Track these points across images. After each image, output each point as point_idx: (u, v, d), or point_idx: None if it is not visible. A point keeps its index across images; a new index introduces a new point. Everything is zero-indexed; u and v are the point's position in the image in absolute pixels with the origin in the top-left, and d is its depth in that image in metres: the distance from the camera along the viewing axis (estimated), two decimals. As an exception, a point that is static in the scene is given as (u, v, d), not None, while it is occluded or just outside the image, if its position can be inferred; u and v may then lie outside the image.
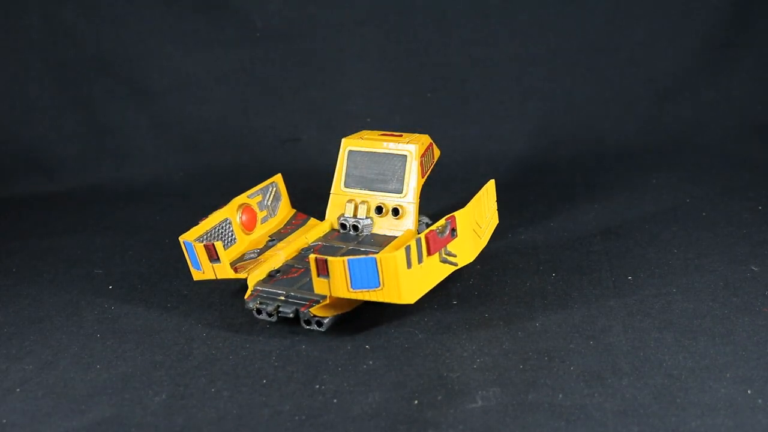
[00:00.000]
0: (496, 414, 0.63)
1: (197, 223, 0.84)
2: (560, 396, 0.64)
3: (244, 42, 1.44)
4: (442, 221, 0.74)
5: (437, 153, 0.97)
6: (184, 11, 1.42)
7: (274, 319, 0.79)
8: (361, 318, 0.80)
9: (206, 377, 0.72)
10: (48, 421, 0.67)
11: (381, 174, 0.91)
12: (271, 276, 0.84)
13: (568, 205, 1.11)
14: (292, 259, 0.88)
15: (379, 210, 0.91)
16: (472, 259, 0.80)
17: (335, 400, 0.67)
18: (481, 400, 0.65)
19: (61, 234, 1.14)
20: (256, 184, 0.94)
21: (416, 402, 0.66)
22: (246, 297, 0.81)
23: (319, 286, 0.73)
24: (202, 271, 0.82)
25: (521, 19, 1.45)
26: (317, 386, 0.69)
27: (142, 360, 0.76)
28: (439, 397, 0.66)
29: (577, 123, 1.41)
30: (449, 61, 1.45)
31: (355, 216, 0.92)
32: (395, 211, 0.90)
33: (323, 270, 0.72)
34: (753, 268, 0.86)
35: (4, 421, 0.68)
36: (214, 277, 0.82)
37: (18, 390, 0.73)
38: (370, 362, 0.73)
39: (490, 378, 0.68)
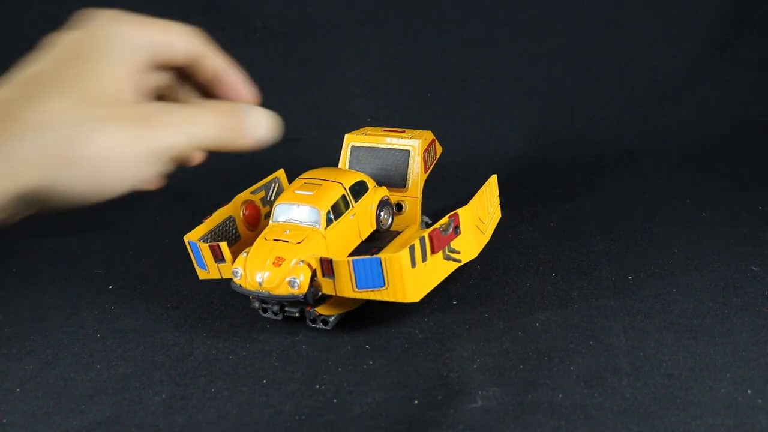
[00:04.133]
0: (496, 414, 0.63)
1: (201, 222, 0.84)
2: (560, 396, 0.64)
3: (244, 42, 1.44)
4: (445, 219, 0.74)
5: (439, 149, 0.97)
6: (184, 11, 1.43)
7: (279, 317, 0.79)
8: (362, 318, 0.80)
9: (206, 377, 0.72)
10: (48, 421, 0.67)
11: (384, 169, 0.91)
12: None
13: (568, 205, 1.11)
14: None
15: None
16: (475, 255, 0.80)
17: (335, 400, 0.67)
18: (481, 400, 0.65)
19: (61, 234, 1.14)
20: (256, 183, 0.94)
21: (416, 402, 0.66)
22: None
23: (325, 286, 0.74)
24: (208, 270, 0.82)
25: (521, 19, 1.45)
26: (317, 386, 0.69)
27: (142, 360, 0.76)
28: (439, 397, 0.66)
29: (577, 123, 1.41)
30: (449, 61, 1.45)
31: None
32: (398, 206, 0.90)
33: (328, 270, 0.72)
34: (753, 268, 0.86)
35: (4, 421, 0.68)
36: (220, 277, 0.82)
37: (18, 390, 0.73)
38: (370, 362, 0.73)
39: (490, 378, 0.68)
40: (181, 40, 0.50)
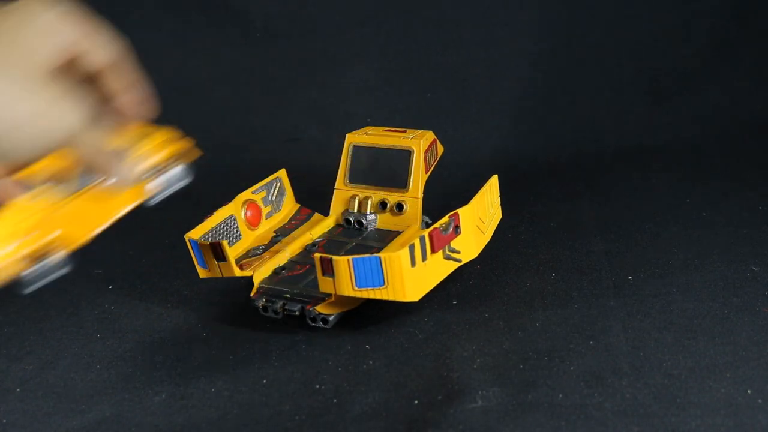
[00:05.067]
0: (496, 414, 0.63)
1: (202, 221, 0.84)
2: (560, 396, 0.64)
3: (244, 42, 1.44)
4: (445, 218, 0.75)
5: (441, 149, 0.97)
6: (184, 11, 1.43)
7: (280, 316, 0.79)
8: (362, 317, 0.80)
9: (206, 377, 0.72)
10: (48, 421, 0.67)
11: (385, 169, 0.91)
12: (276, 273, 0.84)
13: (568, 205, 1.11)
14: (296, 255, 0.88)
15: (383, 205, 0.91)
16: (475, 255, 0.80)
17: (335, 400, 0.67)
18: (481, 400, 0.65)
19: (61, 234, 1.14)
20: (256, 183, 0.94)
21: (416, 402, 0.66)
22: (252, 294, 0.81)
23: (324, 284, 0.74)
24: (208, 269, 0.82)
25: (521, 19, 1.45)
26: (317, 386, 0.69)
27: (142, 360, 0.77)
28: (439, 397, 0.66)
29: (577, 123, 1.41)
30: (449, 61, 1.45)
31: (359, 211, 0.92)
32: (399, 207, 0.90)
33: (328, 269, 0.72)
34: (753, 268, 0.86)
35: (4, 421, 0.68)
36: (220, 275, 0.82)
37: (18, 390, 0.73)
38: (370, 362, 0.73)
39: (490, 378, 0.68)
40: (98, 50, 0.55)
